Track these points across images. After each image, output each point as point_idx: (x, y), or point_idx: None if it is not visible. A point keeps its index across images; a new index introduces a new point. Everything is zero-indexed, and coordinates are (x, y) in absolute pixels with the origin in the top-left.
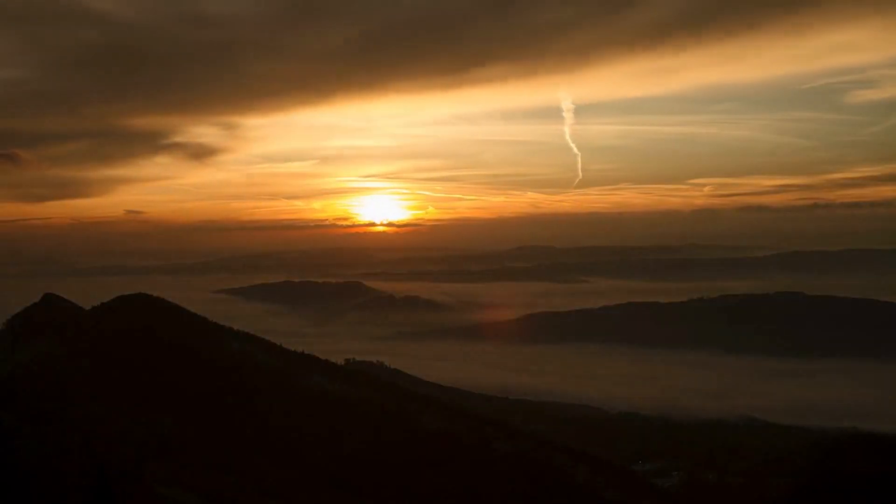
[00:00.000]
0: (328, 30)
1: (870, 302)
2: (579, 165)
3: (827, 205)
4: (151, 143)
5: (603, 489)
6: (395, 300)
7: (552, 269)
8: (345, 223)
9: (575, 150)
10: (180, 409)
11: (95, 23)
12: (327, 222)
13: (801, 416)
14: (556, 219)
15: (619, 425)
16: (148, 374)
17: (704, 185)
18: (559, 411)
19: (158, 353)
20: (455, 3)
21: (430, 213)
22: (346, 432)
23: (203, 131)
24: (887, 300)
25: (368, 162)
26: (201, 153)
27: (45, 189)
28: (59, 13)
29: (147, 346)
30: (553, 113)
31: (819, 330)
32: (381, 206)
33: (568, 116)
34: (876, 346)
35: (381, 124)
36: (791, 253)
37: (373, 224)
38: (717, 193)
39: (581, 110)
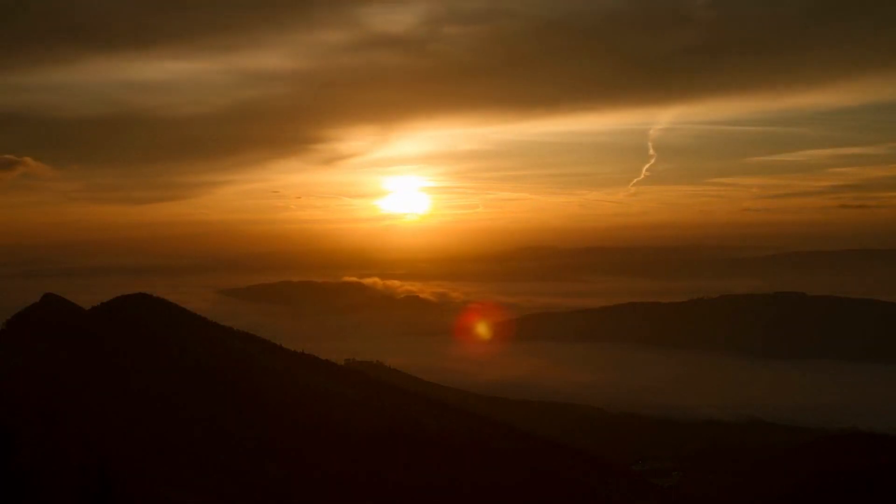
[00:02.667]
0: (568, 59)
1: (870, 302)
2: (645, 167)
3: (879, 205)
4: (295, 149)
5: (603, 489)
6: (395, 300)
7: (553, 270)
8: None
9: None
10: (180, 409)
11: (371, 45)
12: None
13: (801, 416)
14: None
15: (619, 425)
16: (148, 374)
17: (751, 185)
18: (559, 411)
19: (158, 353)
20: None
21: (479, 212)
22: (345, 432)
23: (354, 139)
24: (887, 300)
25: (470, 163)
26: (332, 158)
27: (153, 192)
28: (355, 38)
29: (147, 346)
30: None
31: (819, 330)
32: (430, 204)
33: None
34: (876, 346)
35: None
36: (791, 253)
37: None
38: (765, 195)
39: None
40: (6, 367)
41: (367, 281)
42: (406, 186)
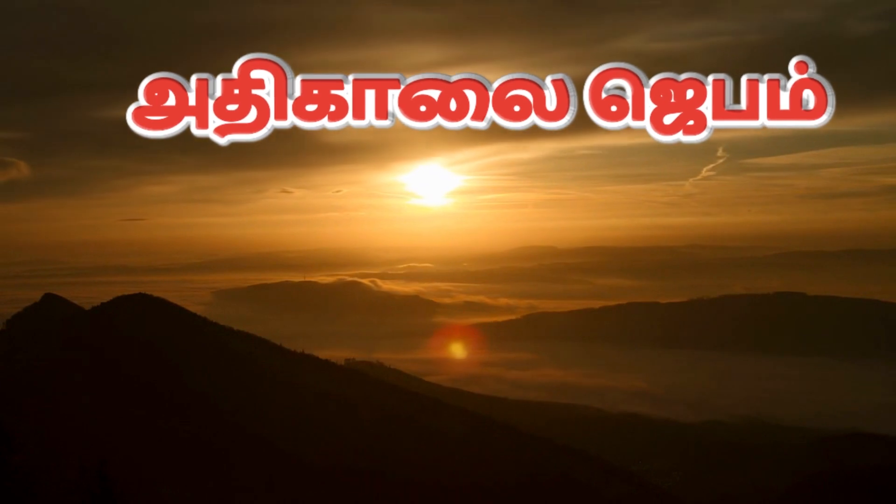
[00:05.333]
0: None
1: (870, 302)
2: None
3: (880, 206)
4: (428, 154)
5: (603, 489)
6: (395, 300)
7: (553, 269)
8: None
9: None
10: (180, 409)
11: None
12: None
13: (801, 416)
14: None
15: (619, 425)
16: (148, 374)
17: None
18: (559, 411)
19: (158, 352)
20: None
21: (524, 211)
22: (345, 432)
23: (484, 146)
24: (887, 300)
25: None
26: (452, 163)
27: (248, 195)
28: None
29: (147, 347)
30: None
31: (819, 330)
32: (469, 204)
33: None
34: (876, 346)
35: None
36: (791, 253)
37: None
38: (809, 195)
39: None
40: (6, 367)
41: (368, 280)
42: (453, 185)
